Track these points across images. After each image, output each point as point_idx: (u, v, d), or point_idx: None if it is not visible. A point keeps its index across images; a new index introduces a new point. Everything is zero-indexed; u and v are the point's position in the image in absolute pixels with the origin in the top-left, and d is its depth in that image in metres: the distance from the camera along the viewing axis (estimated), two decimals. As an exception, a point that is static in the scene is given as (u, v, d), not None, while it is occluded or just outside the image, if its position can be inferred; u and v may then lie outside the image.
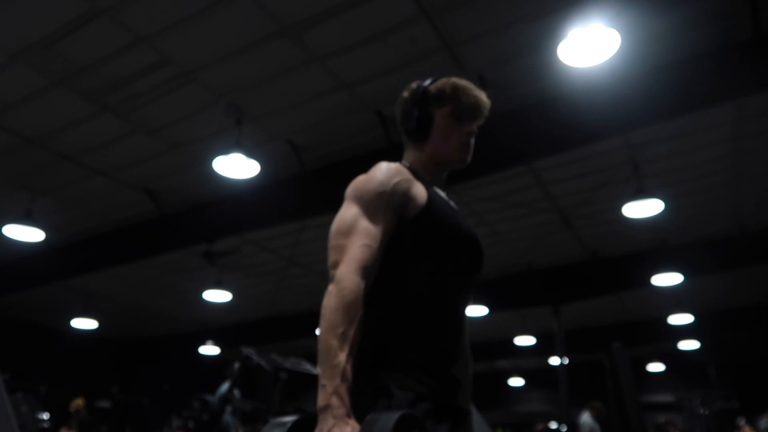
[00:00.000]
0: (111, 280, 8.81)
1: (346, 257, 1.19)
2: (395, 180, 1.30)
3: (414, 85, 1.51)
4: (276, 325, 10.86)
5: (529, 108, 4.75)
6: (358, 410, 1.09)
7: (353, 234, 1.22)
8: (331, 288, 1.16)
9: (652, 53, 4.19)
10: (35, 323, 11.31)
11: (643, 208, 5.78)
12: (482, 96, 1.47)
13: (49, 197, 6.44)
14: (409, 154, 1.48)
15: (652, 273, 7.77)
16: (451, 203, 1.45)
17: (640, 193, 5.66)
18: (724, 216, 6.92)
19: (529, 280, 8.69)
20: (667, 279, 7.80)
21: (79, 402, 7.64)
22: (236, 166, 5.08)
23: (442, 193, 1.45)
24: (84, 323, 10.57)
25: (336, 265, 1.19)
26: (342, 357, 1.09)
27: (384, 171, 1.32)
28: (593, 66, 4.00)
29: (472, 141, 1.48)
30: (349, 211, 1.27)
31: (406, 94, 1.52)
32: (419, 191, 1.32)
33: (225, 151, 5.00)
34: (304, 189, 5.80)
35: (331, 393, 1.06)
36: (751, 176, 5.97)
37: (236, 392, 5.92)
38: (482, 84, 4.50)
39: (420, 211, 1.30)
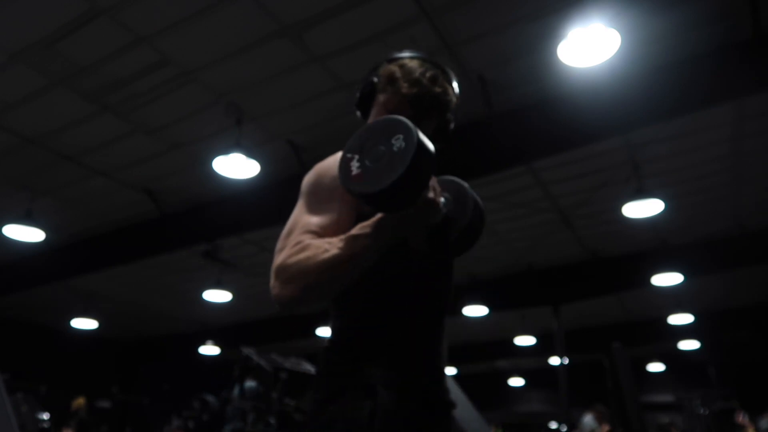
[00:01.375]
0: (111, 280, 8.80)
1: (284, 250, 1.14)
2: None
3: (384, 56, 1.37)
4: (276, 325, 10.86)
5: (529, 108, 4.75)
6: (342, 410, 1.08)
7: (294, 232, 1.17)
8: (273, 282, 1.11)
9: (652, 53, 4.19)
10: (35, 323, 11.30)
11: (643, 208, 5.78)
12: (430, 90, 1.26)
13: (49, 197, 6.44)
14: None
15: (652, 273, 7.76)
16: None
17: (640, 193, 5.66)
18: (724, 216, 6.91)
19: (529, 280, 8.69)
20: (667, 279, 7.79)
21: (80, 401, 7.63)
22: (236, 166, 5.08)
23: None
24: (84, 323, 10.57)
25: (273, 265, 1.13)
26: (341, 245, 1.07)
27: (333, 160, 1.23)
28: (593, 66, 4.00)
29: None
30: (294, 212, 1.22)
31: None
32: None
33: (225, 151, 5.00)
34: (304, 189, 5.80)
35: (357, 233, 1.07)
36: (751, 176, 5.96)
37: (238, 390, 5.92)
38: (482, 84, 4.51)
39: None
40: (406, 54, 1.32)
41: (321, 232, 1.15)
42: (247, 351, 4.88)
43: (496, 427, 12.06)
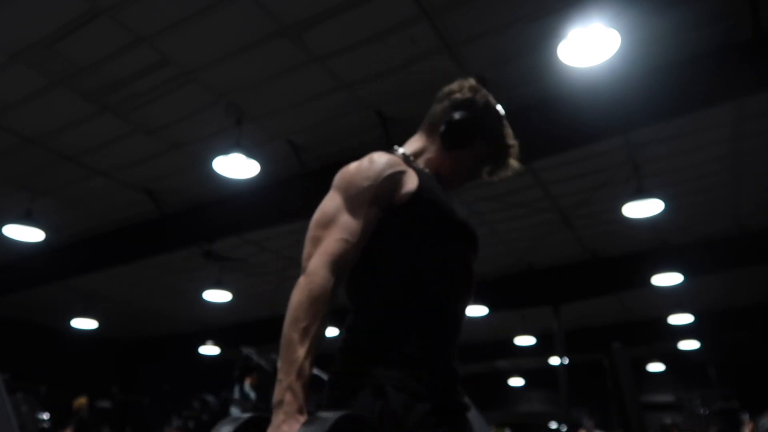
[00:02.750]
0: (111, 280, 8.80)
1: (321, 249, 1.15)
2: (386, 173, 1.23)
3: (478, 91, 1.45)
4: (276, 325, 10.57)
5: (529, 108, 4.74)
6: (350, 411, 1.07)
7: (332, 227, 1.18)
8: (301, 280, 1.13)
9: (652, 53, 4.19)
10: (35, 323, 11.30)
11: (643, 208, 5.78)
12: (514, 165, 1.52)
13: (49, 197, 6.44)
14: (420, 144, 1.42)
15: (652, 273, 7.77)
16: (450, 195, 1.39)
17: (640, 193, 5.66)
18: (724, 216, 6.91)
19: (529, 280, 8.69)
20: (667, 279, 7.79)
21: (81, 401, 7.62)
22: (236, 166, 5.08)
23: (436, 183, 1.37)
24: (84, 323, 10.57)
25: (309, 256, 1.15)
26: (301, 352, 1.06)
27: (376, 163, 1.25)
28: (593, 66, 4.00)
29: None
30: (331, 203, 1.22)
31: (467, 92, 1.43)
32: (410, 179, 1.26)
33: (225, 151, 5.00)
34: (304, 189, 5.80)
35: (285, 388, 1.03)
36: (751, 176, 5.96)
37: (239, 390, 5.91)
38: (482, 84, 4.51)
39: (410, 198, 1.24)
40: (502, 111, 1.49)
41: (351, 241, 1.17)
42: (247, 351, 4.88)
43: (497, 428, 12.06)
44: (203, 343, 11.44)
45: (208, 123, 5.07)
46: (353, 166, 1.27)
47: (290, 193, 5.88)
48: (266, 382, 5.00)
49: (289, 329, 1.09)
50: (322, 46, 4.17)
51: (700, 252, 7.53)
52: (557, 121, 4.68)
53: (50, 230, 6.78)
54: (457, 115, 1.39)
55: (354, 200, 1.21)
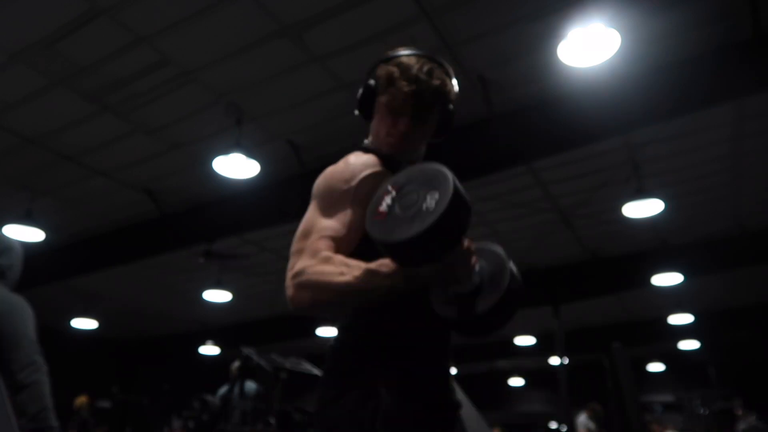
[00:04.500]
0: (111, 280, 8.80)
1: (304, 256, 1.13)
2: (363, 174, 1.22)
3: (380, 57, 1.37)
4: (276, 325, 10.86)
5: (529, 108, 4.75)
6: (342, 410, 1.07)
7: (311, 234, 1.16)
8: (293, 282, 1.10)
9: (652, 53, 4.19)
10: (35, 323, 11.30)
11: (643, 208, 5.78)
12: (430, 84, 1.27)
13: (49, 197, 6.44)
14: (370, 135, 1.39)
15: (652, 273, 7.77)
16: None
17: (640, 193, 5.66)
18: (724, 216, 6.91)
19: (529, 280, 8.66)
20: (667, 279, 7.80)
21: (82, 400, 7.60)
22: (236, 166, 5.08)
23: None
24: (84, 323, 10.57)
25: (292, 268, 1.13)
26: (362, 269, 1.05)
27: (352, 165, 1.24)
28: (593, 66, 4.00)
29: (410, 134, 1.30)
30: (309, 214, 1.22)
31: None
32: (387, 179, 1.23)
33: (225, 151, 5.00)
34: (304, 189, 5.78)
35: (384, 275, 1.04)
36: (751, 176, 5.96)
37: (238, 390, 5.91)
38: (482, 84, 4.51)
39: None
40: (400, 52, 1.32)
41: (336, 237, 1.15)
42: (247, 351, 4.87)
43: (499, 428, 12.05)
44: (203, 343, 11.44)
45: (208, 123, 5.07)
46: (329, 170, 1.27)
47: (290, 193, 5.89)
48: (266, 382, 4.99)
49: (332, 296, 1.07)
50: (322, 46, 4.17)
51: (700, 252, 7.53)
52: (557, 121, 4.68)
53: (50, 230, 6.78)
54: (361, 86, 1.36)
55: (332, 204, 1.20)
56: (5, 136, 5.30)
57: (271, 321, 10.99)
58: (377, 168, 1.25)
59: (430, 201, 0.96)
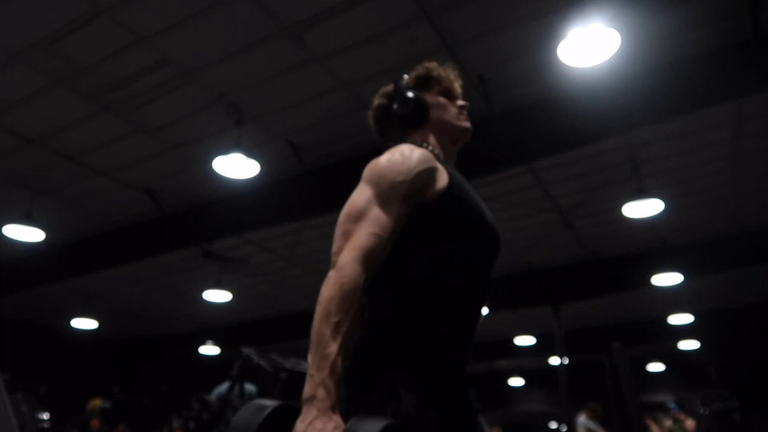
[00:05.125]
0: (111, 280, 8.80)
1: (351, 244, 1.13)
2: (419, 169, 1.22)
3: (387, 87, 1.52)
4: (276, 325, 10.86)
5: (529, 108, 4.75)
6: (362, 410, 1.06)
7: (363, 220, 1.15)
8: (331, 274, 1.10)
9: (652, 53, 4.19)
10: (35, 323, 11.30)
11: (643, 208, 5.78)
12: (454, 74, 1.54)
13: (49, 197, 6.44)
14: (415, 141, 1.41)
15: (652, 273, 7.76)
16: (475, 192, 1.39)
17: (640, 193, 5.66)
18: (724, 216, 6.91)
19: (529, 280, 8.69)
20: (667, 279, 7.79)
21: (96, 402, 7.56)
22: (236, 166, 5.08)
23: (462, 178, 1.37)
24: (84, 323, 10.56)
25: (339, 251, 1.13)
26: (333, 348, 1.03)
27: (409, 158, 1.23)
28: (593, 66, 4.00)
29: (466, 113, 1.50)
30: (361, 196, 1.20)
31: (382, 98, 1.50)
32: (441, 175, 1.26)
33: (225, 151, 5.00)
34: (304, 189, 5.80)
35: (318, 384, 1.01)
36: (751, 176, 5.96)
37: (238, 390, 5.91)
38: (482, 84, 4.51)
39: (440, 195, 1.23)
40: (411, 74, 1.53)
41: (383, 235, 1.15)
42: (247, 351, 4.87)
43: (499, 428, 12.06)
44: (203, 343, 11.43)
45: (208, 123, 5.07)
46: (384, 159, 1.25)
47: (290, 193, 5.89)
48: (266, 382, 4.99)
49: (321, 324, 1.06)
50: (322, 46, 4.17)
51: (699, 252, 7.54)
52: (557, 121, 4.68)
53: (50, 230, 6.78)
54: (400, 99, 1.46)
55: (386, 195, 1.19)
56: (5, 136, 5.30)
57: (271, 321, 10.99)
58: (433, 163, 1.26)
59: None
